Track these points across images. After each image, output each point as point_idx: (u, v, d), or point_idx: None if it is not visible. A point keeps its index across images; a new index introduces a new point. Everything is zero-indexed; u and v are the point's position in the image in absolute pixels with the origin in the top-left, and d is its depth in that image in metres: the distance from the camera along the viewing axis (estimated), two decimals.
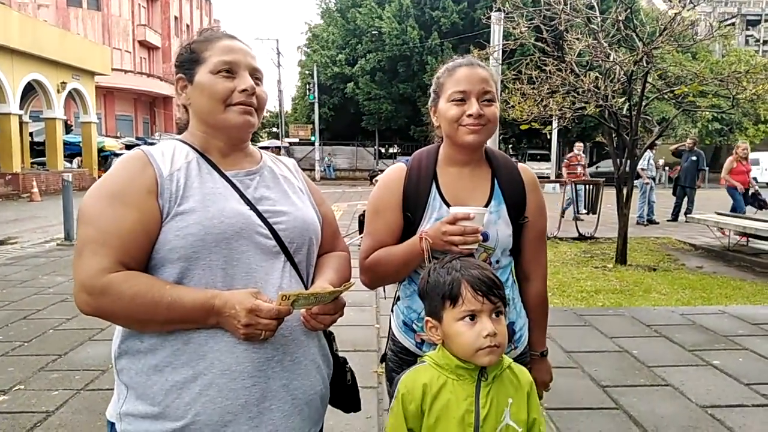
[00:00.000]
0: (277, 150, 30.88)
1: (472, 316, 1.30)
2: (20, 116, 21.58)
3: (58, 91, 22.69)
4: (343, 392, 1.57)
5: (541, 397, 1.76)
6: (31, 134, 25.29)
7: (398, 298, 1.87)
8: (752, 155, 31.69)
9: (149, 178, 1.30)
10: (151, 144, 1.52)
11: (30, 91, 22.58)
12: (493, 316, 1.31)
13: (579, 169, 13.81)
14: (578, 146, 14.47)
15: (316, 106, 33.93)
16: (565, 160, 14.50)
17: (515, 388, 1.35)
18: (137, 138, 33.15)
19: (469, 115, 1.67)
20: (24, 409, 3.48)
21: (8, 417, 3.37)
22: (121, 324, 1.32)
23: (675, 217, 13.51)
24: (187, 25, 48.79)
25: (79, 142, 25.45)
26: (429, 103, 1.84)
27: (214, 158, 1.42)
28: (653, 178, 13.37)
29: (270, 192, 1.45)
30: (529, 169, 1.86)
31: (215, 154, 1.43)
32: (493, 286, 1.31)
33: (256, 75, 1.44)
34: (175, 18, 47.02)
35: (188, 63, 1.42)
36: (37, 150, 24.95)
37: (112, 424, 1.34)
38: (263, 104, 1.45)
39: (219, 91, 1.37)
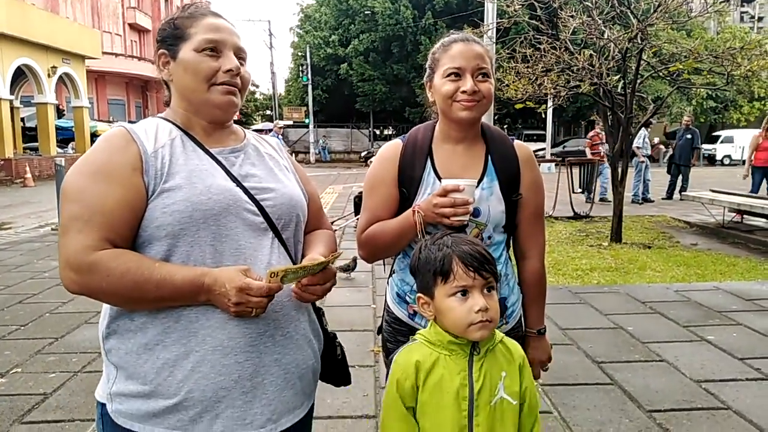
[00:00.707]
0: (268, 133, 30.68)
1: (464, 292, 1.30)
2: (11, 101, 21.35)
3: (49, 76, 22.45)
4: (334, 367, 1.59)
5: (537, 377, 1.77)
6: (22, 119, 25.06)
7: (393, 271, 1.91)
8: (727, 133, 31.79)
9: (133, 155, 1.28)
10: None
11: (20, 75, 22.32)
12: (485, 291, 1.31)
13: (601, 149, 13.00)
14: (600, 125, 13.22)
15: (310, 88, 33.71)
16: (587, 140, 13.76)
17: (508, 361, 1.36)
18: (130, 122, 32.82)
19: (464, 91, 1.67)
20: (22, 391, 3.49)
21: (6, 399, 3.38)
22: (108, 302, 1.30)
23: (670, 195, 13.55)
24: (178, 7, 48.02)
25: (72, 126, 25.27)
26: (424, 79, 1.83)
27: (198, 136, 1.40)
28: (648, 157, 13.37)
29: (255, 169, 1.44)
30: (525, 146, 1.86)
31: (198, 131, 1.41)
32: (485, 261, 1.31)
33: (240, 55, 1.41)
34: (165, 0, 46.43)
35: (171, 39, 1.39)
36: (29, 135, 24.74)
37: (102, 405, 1.34)
38: (247, 84, 1.43)
39: (203, 70, 1.35)
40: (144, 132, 1.33)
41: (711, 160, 29.32)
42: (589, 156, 13.06)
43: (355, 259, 5.94)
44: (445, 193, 1.59)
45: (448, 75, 1.69)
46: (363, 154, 32.54)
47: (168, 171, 1.29)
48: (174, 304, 1.26)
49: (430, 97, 1.82)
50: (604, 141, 13.08)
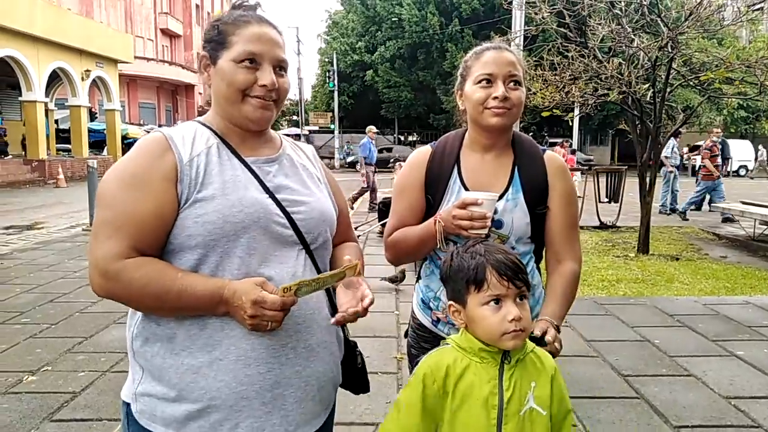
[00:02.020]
0: (296, 138, 30.94)
1: (497, 301, 1.30)
2: (46, 104, 21.90)
3: (83, 79, 23.01)
4: (354, 375, 1.59)
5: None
6: (56, 121, 25.69)
7: (419, 277, 1.92)
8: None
9: (169, 164, 1.28)
10: None
11: (55, 78, 22.91)
12: (518, 300, 1.31)
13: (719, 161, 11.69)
14: (717, 132, 12.05)
15: (336, 94, 33.90)
16: (705, 150, 11.77)
17: (539, 372, 1.35)
18: (159, 126, 33.38)
19: (495, 98, 1.67)
20: (51, 389, 3.56)
21: (37, 397, 3.45)
22: (132, 307, 1.33)
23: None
24: (209, 13, 48.89)
25: (104, 129, 25.78)
26: (455, 87, 1.84)
27: (234, 143, 1.40)
28: (677, 167, 13.15)
29: (289, 180, 1.43)
30: (557, 157, 1.84)
31: (234, 138, 1.41)
32: (518, 270, 1.31)
33: (281, 65, 1.40)
34: (197, 6, 47.14)
35: (214, 43, 1.38)
36: (63, 137, 25.32)
37: (128, 405, 1.36)
38: (284, 96, 1.42)
39: (238, 82, 1.34)
40: (182, 139, 1.34)
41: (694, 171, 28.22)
42: (711, 168, 11.71)
43: (403, 272, 5.94)
44: (464, 206, 1.59)
45: (480, 81, 1.70)
46: (391, 160, 32.49)
47: (202, 180, 1.29)
48: (196, 314, 1.28)
49: (461, 105, 1.82)
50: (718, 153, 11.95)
